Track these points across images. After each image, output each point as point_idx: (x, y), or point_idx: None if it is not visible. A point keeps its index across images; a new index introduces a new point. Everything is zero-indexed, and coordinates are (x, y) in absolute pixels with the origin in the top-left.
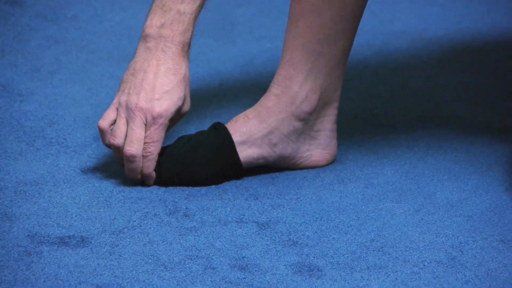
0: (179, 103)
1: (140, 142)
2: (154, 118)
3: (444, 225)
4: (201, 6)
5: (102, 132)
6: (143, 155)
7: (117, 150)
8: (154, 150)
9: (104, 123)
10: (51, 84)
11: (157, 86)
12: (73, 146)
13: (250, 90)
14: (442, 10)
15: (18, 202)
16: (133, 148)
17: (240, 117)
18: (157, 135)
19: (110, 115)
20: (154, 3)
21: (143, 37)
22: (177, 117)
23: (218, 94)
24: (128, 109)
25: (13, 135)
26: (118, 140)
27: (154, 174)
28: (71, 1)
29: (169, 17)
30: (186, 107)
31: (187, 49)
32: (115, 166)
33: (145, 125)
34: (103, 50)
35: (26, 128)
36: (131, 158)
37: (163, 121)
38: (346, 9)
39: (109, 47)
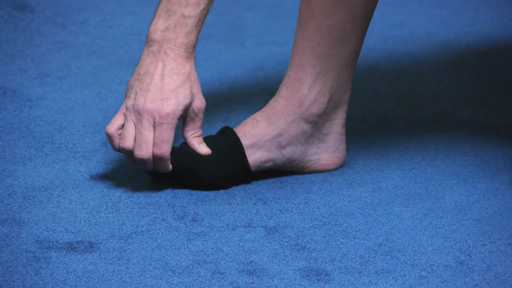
0: (185, 102)
1: (149, 145)
2: (162, 117)
3: (452, 229)
4: (206, 10)
5: (110, 137)
6: (155, 157)
7: (128, 153)
8: (166, 150)
9: (112, 128)
10: (60, 89)
11: (163, 87)
12: (82, 152)
13: (259, 94)
14: (451, 14)
15: (27, 207)
16: (143, 151)
17: (249, 120)
18: (166, 135)
19: (117, 120)
20: (159, 8)
21: (147, 42)
22: (193, 115)
23: (227, 98)
24: (135, 112)
25: (22, 141)
26: (127, 143)
27: (170, 167)
28: (81, 6)
29: (173, 20)
30: (198, 103)
31: (191, 50)
32: (124, 171)
33: (153, 126)
34: (113, 55)
35: (35, 133)
36: (142, 162)
37: (171, 120)
38: (355, 12)
39: (119, 52)
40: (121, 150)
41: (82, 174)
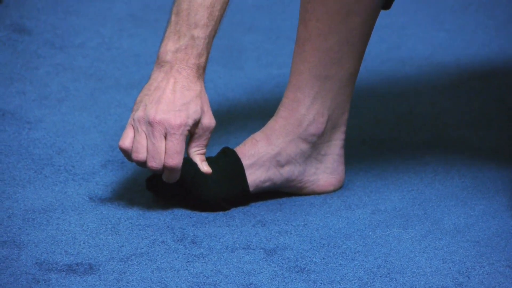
0: (195, 116)
1: (161, 155)
2: (173, 128)
3: (451, 251)
4: (214, 31)
5: (125, 151)
6: (168, 168)
7: (142, 165)
8: (178, 162)
9: (125, 142)
10: (59, 112)
11: (174, 99)
12: (81, 174)
13: (258, 116)
14: (449, 36)
15: (27, 229)
16: (156, 162)
17: (248, 140)
18: (178, 146)
19: (128, 134)
20: (168, 29)
21: (157, 63)
22: (201, 132)
23: (226, 120)
24: (146, 123)
25: (22, 163)
26: (140, 155)
27: (178, 177)
28: (79, 29)
29: (184, 42)
30: (207, 121)
31: (202, 72)
32: (123, 194)
33: (165, 137)
34: (111, 77)
35: (34, 155)
36: (156, 172)
37: (183, 131)
38: (352, 33)
39: (117, 75)
40: (135, 162)
41: (81, 196)
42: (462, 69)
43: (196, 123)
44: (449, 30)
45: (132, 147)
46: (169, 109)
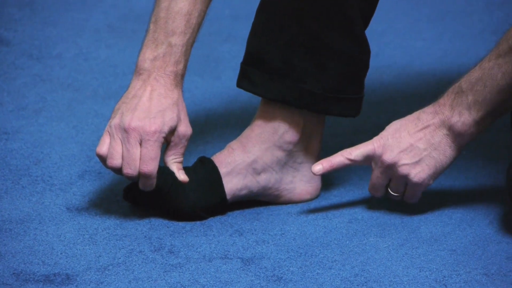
0: (171, 123)
1: (136, 162)
2: (148, 135)
3: (428, 259)
4: (192, 39)
5: (101, 158)
6: (142, 174)
7: (117, 171)
8: (153, 168)
9: (102, 149)
10: (36, 123)
11: (150, 107)
12: (59, 184)
13: (235, 126)
14: (426, 45)
15: (4, 240)
16: (131, 169)
17: (225, 149)
18: (153, 152)
19: (105, 140)
20: (146, 38)
21: (136, 71)
22: (178, 140)
23: (203, 130)
24: (122, 129)
25: None
26: (115, 161)
27: (154, 185)
28: (56, 39)
29: (161, 50)
30: (183, 129)
31: (180, 79)
32: (100, 204)
33: (140, 144)
34: (89, 88)
35: (11, 166)
36: (131, 179)
37: (157, 137)
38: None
39: (95, 85)
40: (110, 169)
41: (58, 207)
42: (440, 78)
43: (173, 131)
44: (427, 39)
45: (107, 153)
46: (145, 116)
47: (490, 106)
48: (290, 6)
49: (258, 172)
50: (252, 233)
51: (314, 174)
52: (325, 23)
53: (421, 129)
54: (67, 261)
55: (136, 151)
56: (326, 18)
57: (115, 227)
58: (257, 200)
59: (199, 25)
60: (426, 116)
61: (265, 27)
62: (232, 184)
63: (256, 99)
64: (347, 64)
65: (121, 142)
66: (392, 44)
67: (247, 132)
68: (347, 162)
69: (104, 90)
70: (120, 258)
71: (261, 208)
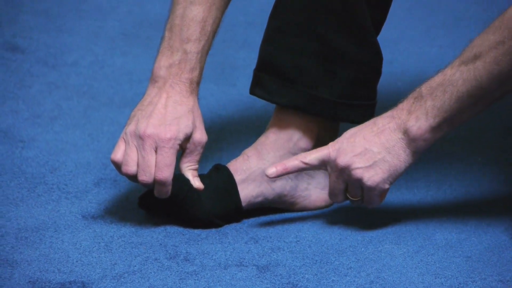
0: (187, 130)
1: (151, 169)
2: (163, 142)
3: (443, 266)
4: (208, 46)
5: (116, 164)
6: (157, 181)
7: (132, 178)
8: (168, 175)
9: (117, 155)
10: (52, 130)
11: (166, 114)
12: (74, 192)
13: (250, 133)
14: (441, 52)
15: (20, 248)
16: (146, 176)
17: (240, 156)
18: (169, 159)
19: (120, 147)
20: (162, 45)
21: (152, 78)
22: (193, 147)
23: (219, 138)
24: (137, 136)
25: (15, 182)
26: (130, 168)
27: (169, 193)
28: (72, 47)
29: (177, 57)
30: (199, 136)
31: (195, 86)
32: (116, 211)
33: (155, 151)
34: (104, 95)
35: (27, 174)
36: (147, 186)
37: (173, 144)
38: None
39: (110, 93)
40: (125, 175)
41: (74, 215)
42: None
43: (188, 138)
44: (441, 45)
45: (122, 160)
46: (160, 123)
47: (448, 113)
48: (301, 13)
49: (273, 180)
50: (268, 241)
51: (267, 176)
52: (336, 30)
53: (377, 134)
54: (82, 269)
55: (151, 158)
56: (337, 25)
57: (131, 235)
58: (272, 207)
59: (214, 32)
60: (383, 121)
61: (277, 34)
62: (247, 191)
63: (271, 106)
64: (358, 71)
65: (136, 149)
66: (407, 51)
67: (262, 139)
68: (302, 165)
69: (119, 98)
70: (135, 266)
71: (276, 215)
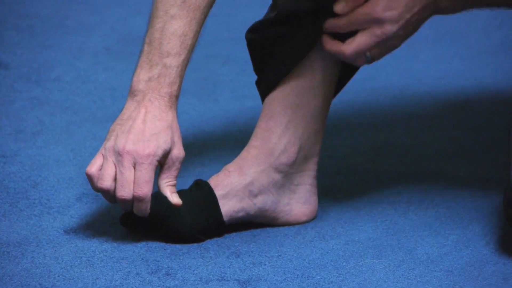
0: (165, 146)
1: (130, 185)
2: (142, 158)
3: (424, 281)
4: (187, 60)
5: (90, 177)
6: (136, 198)
7: (107, 194)
8: (147, 191)
9: (92, 168)
10: (34, 145)
11: (145, 130)
12: (56, 207)
13: (232, 148)
14: (424, 67)
15: (1, 263)
16: (125, 191)
17: (221, 171)
18: (147, 175)
19: (97, 161)
20: (140, 59)
21: (130, 92)
22: (171, 163)
23: (200, 153)
24: (115, 152)
25: None
26: (106, 183)
27: (148, 210)
28: (55, 62)
29: (156, 71)
30: (177, 152)
31: (174, 100)
32: (98, 226)
33: (134, 167)
34: (87, 111)
35: (9, 189)
36: (124, 202)
37: (151, 161)
38: (325, 63)
39: (93, 108)
40: (100, 190)
41: (56, 230)
42: (437, 100)
43: (166, 154)
44: (425, 60)
45: (98, 174)
46: (139, 139)
47: None
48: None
49: (254, 194)
50: (249, 255)
51: (337, 12)
52: None
53: None
54: (64, 284)
55: (130, 173)
56: None
57: (112, 250)
58: (254, 222)
59: (193, 45)
60: None
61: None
62: (228, 206)
63: (253, 122)
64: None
65: (115, 165)
66: (390, 66)
67: (243, 153)
68: None
69: (102, 113)
70: (117, 281)
71: (258, 230)
